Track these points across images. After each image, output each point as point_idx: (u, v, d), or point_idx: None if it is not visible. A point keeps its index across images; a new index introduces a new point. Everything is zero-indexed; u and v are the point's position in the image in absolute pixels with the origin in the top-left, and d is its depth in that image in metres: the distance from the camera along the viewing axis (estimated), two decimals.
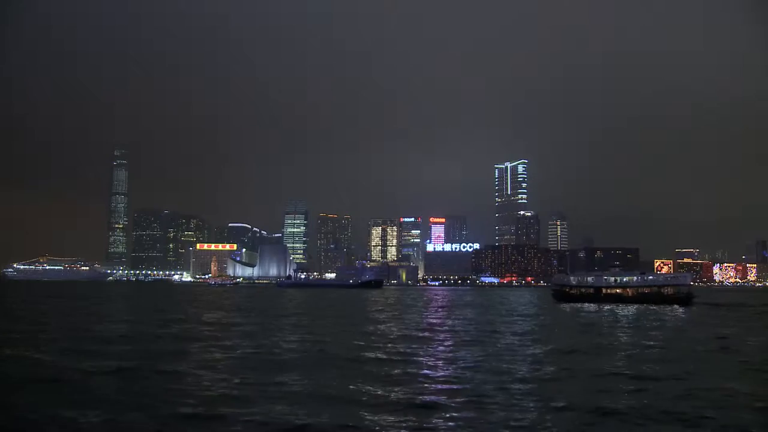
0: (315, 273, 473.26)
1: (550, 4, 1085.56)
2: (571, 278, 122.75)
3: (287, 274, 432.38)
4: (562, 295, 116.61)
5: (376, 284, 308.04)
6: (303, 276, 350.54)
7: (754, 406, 22.43)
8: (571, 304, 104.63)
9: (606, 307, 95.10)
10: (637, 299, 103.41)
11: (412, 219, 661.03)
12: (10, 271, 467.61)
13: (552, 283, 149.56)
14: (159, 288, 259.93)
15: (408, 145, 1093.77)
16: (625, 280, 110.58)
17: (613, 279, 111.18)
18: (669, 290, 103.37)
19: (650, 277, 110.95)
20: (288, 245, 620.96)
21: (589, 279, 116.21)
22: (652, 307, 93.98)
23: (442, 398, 23.00)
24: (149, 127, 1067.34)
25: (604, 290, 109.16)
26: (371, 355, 35.36)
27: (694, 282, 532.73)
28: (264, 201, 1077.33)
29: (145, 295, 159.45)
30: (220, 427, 18.94)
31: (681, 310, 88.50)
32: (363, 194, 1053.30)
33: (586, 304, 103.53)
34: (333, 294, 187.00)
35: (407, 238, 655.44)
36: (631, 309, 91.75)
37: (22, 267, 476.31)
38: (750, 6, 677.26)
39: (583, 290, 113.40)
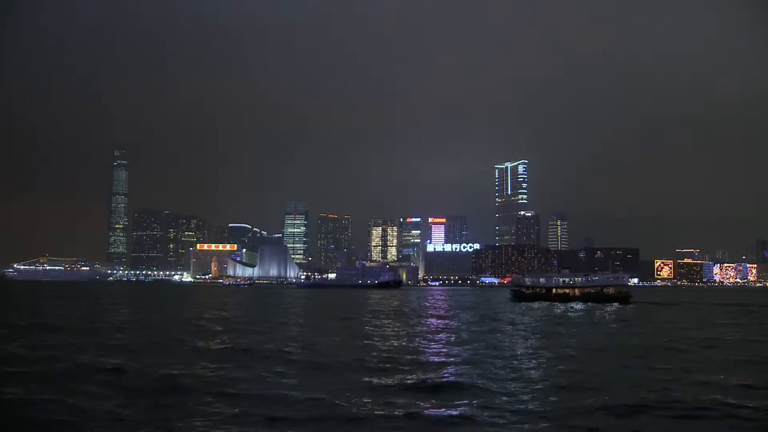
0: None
1: (550, 4, 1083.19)
2: (526, 279, 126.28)
3: (303, 275, 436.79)
4: (519, 294, 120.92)
5: (395, 284, 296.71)
6: (318, 277, 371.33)
7: None
8: (525, 303, 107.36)
9: (559, 306, 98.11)
10: (583, 298, 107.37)
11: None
12: (10, 272, 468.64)
13: (511, 284, 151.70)
14: (184, 292, 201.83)
15: (408, 146, 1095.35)
16: (574, 280, 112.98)
17: (562, 280, 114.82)
18: (610, 290, 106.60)
19: (594, 278, 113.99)
20: (288, 245, 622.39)
21: (542, 280, 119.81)
22: (594, 305, 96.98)
23: None
24: (149, 127, 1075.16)
25: (554, 290, 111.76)
26: None
27: (695, 282, 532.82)
28: (264, 201, 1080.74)
29: (190, 300, 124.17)
30: None
31: (616, 307, 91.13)
32: (363, 194, 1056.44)
33: (537, 303, 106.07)
34: (362, 294, 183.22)
35: (407, 238, 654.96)
36: (572, 306, 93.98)
37: (22, 267, 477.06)
38: (750, 6, 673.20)
39: (536, 290, 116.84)
